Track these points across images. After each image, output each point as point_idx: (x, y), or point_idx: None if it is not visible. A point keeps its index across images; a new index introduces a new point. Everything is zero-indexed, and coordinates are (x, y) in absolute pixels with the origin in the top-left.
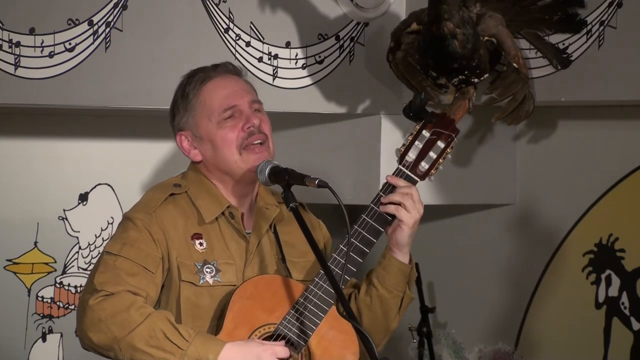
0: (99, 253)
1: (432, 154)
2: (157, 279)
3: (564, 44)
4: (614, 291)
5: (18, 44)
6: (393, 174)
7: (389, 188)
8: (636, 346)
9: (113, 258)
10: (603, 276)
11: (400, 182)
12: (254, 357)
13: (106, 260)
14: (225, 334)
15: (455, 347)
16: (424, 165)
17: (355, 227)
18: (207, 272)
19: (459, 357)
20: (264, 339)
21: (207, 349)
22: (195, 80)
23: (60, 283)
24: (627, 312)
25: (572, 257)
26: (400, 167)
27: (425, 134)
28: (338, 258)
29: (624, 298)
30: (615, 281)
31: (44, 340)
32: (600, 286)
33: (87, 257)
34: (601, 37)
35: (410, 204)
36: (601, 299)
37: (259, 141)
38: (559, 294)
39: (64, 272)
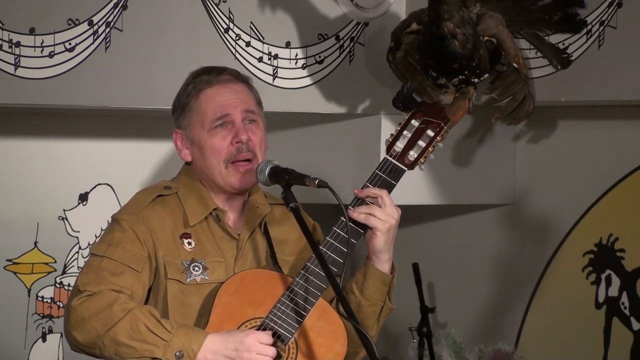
0: None
1: (421, 143)
2: (144, 278)
3: (564, 44)
4: (614, 291)
5: (18, 44)
6: (379, 164)
7: (375, 178)
8: (636, 346)
9: (98, 259)
10: (603, 276)
11: (367, 192)
12: (236, 343)
13: (91, 262)
14: (212, 330)
15: (455, 347)
16: (412, 154)
17: (342, 218)
18: (194, 270)
19: (459, 357)
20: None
21: (191, 340)
22: (197, 82)
23: (60, 283)
24: (627, 312)
25: (572, 257)
26: (387, 157)
27: (415, 123)
28: (324, 249)
29: (624, 298)
30: (615, 281)
31: (44, 340)
32: (600, 286)
33: (87, 257)
34: (601, 37)
35: (380, 211)
36: (601, 299)
37: (245, 162)
38: (559, 294)
39: (64, 272)
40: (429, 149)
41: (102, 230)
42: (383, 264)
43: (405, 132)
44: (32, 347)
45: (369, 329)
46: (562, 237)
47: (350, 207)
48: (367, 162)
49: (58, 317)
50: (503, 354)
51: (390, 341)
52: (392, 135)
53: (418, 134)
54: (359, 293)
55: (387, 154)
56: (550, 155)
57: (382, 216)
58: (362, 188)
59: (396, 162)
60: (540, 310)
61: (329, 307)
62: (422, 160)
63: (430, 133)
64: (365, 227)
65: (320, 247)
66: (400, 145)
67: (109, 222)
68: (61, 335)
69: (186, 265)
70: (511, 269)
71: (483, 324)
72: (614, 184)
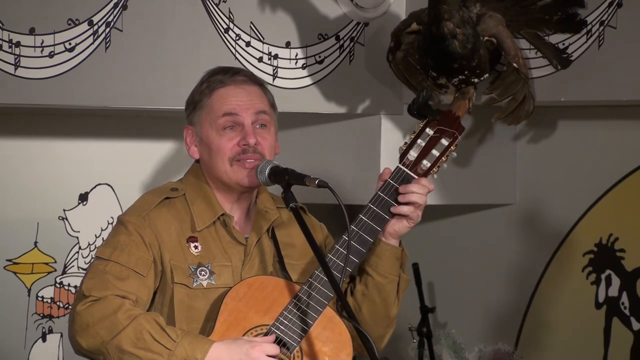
0: None
1: (435, 152)
2: (149, 282)
3: (564, 44)
4: (614, 291)
5: (18, 44)
6: (392, 172)
7: (388, 187)
8: (636, 346)
9: (103, 263)
10: (603, 276)
11: (415, 189)
12: (242, 354)
13: (96, 266)
14: (217, 336)
15: (455, 347)
16: (425, 164)
17: (353, 226)
18: (201, 274)
19: (459, 357)
20: (254, 338)
21: (195, 349)
22: (212, 81)
23: (60, 283)
24: (627, 312)
25: (572, 257)
26: (400, 165)
27: (429, 131)
28: (334, 258)
29: (624, 298)
30: (615, 281)
31: (44, 340)
32: (600, 286)
33: (87, 257)
34: (601, 37)
35: (424, 205)
36: (601, 299)
37: (251, 160)
38: (559, 294)
39: (64, 272)
40: (443, 158)
41: (102, 230)
42: (396, 241)
43: (419, 141)
44: (32, 347)
45: (391, 306)
46: (562, 237)
47: (369, 203)
48: (367, 162)
49: (58, 317)
50: (503, 354)
51: (390, 341)
52: (405, 143)
53: (432, 143)
54: (374, 273)
55: (400, 162)
56: (550, 155)
57: (421, 209)
58: (373, 197)
59: (409, 172)
60: (540, 310)
61: (335, 316)
62: (435, 169)
63: (444, 142)
64: (374, 235)
65: (330, 255)
66: (413, 153)
67: (114, 223)
68: (61, 335)
69: (193, 270)
70: (511, 269)
71: (483, 324)
72: (614, 184)
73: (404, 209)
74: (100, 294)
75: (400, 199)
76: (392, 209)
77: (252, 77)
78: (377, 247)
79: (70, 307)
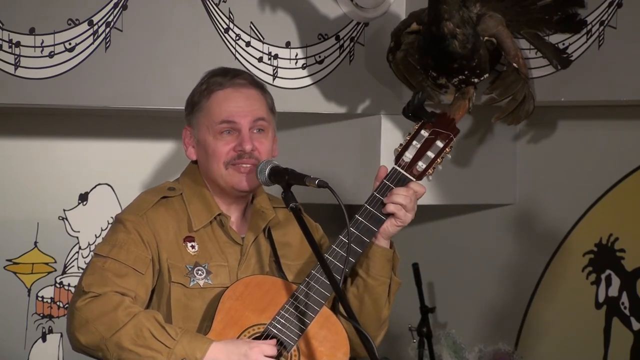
0: None
1: (430, 154)
2: (147, 280)
3: (564, 44)
4: (614, 291)
5: (18, 44)
6: (388, 173)
7: (384, 188)
8: (636, 346)
9: (102, 260)
10: (603, 276)
11: (400, 191)
12: (241, 355)
13: (95, 263)
14: (214, 335)
15: (455, 347)
16: (420, 165)
17: (350, 227)
18: (198, 274)
19: (459, 357)
20: (252, 340)
21: (194, 347)
22: (211, 83)
23: (60, 283)
24: (627, 312)
25: (572, 257)
26: (396, 167)
27: (424, 133)
28: (330, 258)
29: (624, 298)
30: (615, 281)
31: (44, 340)
32: (600, 286)
33: (87, 257)
34: (601, 37)
35: (411, 205)
36: (601, 299)
37: (247, 165)
38: (559, 294)
39: (64, 272)
40: (438, 160)
41: (102, 230)
42: (387, 242)
43: (414, 143)
44: (32, 347)
45: (382, 308)
46: (562, 237)
47: (366, 204)
48: (367, 162)
49: (58, 317)
50: (503, 354)
51: (390, 341)
52: (401, 145)
53: (427, 145)
54: (365, 275)
55: (395, 163)
56: (550, 155)
57: (411, 210)
58: (369, 198)
59: (404, 173)
60: (540, 310)
61: (332, 315)
62: (430, 171)
63: (439, 144)
64: (371, 235)
65: (326, 255)
66: (409, 155)
67: (112, 222)
68: (61, 335)
69: (190, 269)
70: (511, 269)
71: (483, 324)
72: (614, 184)
73: (390, 207)
74: (100, 290)
75: (385, 200)
76: (382, 209)
77: (251, 81)
78: (369, 249)
79: None
